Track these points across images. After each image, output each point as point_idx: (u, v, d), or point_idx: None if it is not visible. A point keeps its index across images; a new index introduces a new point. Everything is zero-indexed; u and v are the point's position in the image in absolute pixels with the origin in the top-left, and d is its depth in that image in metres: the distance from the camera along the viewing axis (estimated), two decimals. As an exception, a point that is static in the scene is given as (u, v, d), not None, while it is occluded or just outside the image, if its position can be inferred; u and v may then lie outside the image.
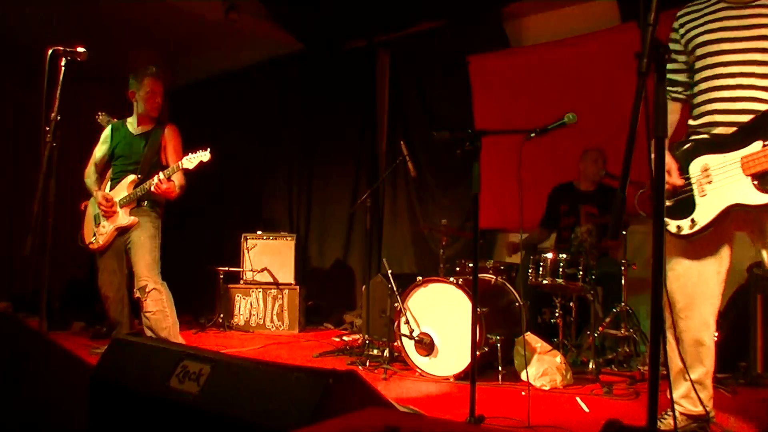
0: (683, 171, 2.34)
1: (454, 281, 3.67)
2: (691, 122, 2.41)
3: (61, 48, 3.04)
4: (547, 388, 3.35)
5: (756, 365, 3.46)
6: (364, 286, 4.79)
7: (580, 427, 2.66)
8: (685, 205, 2.32)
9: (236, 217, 6.77)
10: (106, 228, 3.88)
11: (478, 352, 2.92)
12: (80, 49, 3.06)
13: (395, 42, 6.03)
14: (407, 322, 3.74)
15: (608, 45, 4.69)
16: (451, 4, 5.30)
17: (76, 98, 4.13)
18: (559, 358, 3.46)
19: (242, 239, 5.81)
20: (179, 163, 3.65)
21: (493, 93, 5.38)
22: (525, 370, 3.46)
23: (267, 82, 6.87)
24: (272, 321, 5.53)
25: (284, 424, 1.22)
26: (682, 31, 2.43)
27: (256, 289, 5.60)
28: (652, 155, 1.46)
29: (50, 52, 3.01)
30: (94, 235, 3.94)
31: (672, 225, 2.34)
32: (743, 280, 3.80)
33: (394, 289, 3.90)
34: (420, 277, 3.84)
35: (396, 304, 3.85)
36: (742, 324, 3.65)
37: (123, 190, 3.87)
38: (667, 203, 2.35)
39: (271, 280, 5.64)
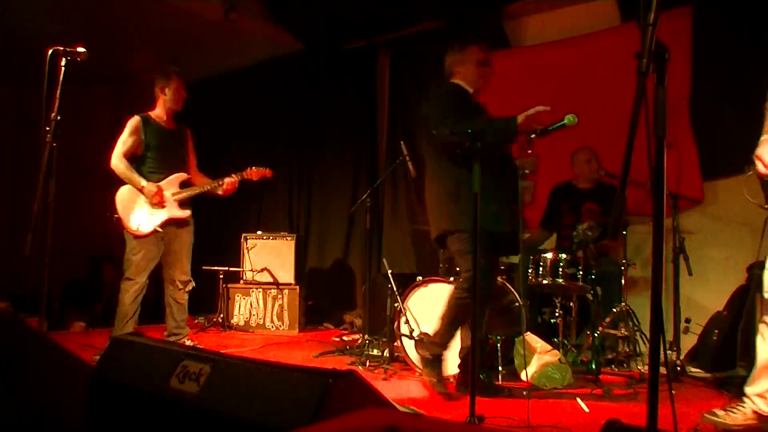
0: None
1: (454, 281, 3.67)
2: None
3: (61, 48, 3.04)
4: (547, 388, 3.34)
5: (756, 365, 3.45)
6: (364, 286, 4.79)
7: (580, 427, 2.65)
8: None
9: (236, 217, 6.78)
10: (157, 216, 3.99)
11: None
12: (80, 49, 3.06)
13: (395, 42, 6.03)
14: (407, 322, 3.74)
15: (608, 45, 4.69)
16: (451, 4, 5.30)
17: (77, 98, 4.13)
18: (559, 358, 3.46)
19: (242, 239, 5.82)
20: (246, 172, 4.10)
21: (492, 93, 5.37)
22: (525, 370, 3.46)
23: (267, 82, 6.87)
24: (272, 321, 5.53)
25: (284, 424, 1.22)
26: None
27: (256, 289, 5.60)
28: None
29: (50, 52, 3.01)
30: (141, 222, 3.97)
31: None
32: (743, 280, 3.80)
33: (394, 289, 3.90)
34: (420, 277, 3.84)
35: (396, 304, 3.85)
36: (742, 324, 3.65)
37: (173, 185, 4.05)
38: None
39: (271, 280, 5.64)
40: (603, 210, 4.22)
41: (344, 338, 5.07)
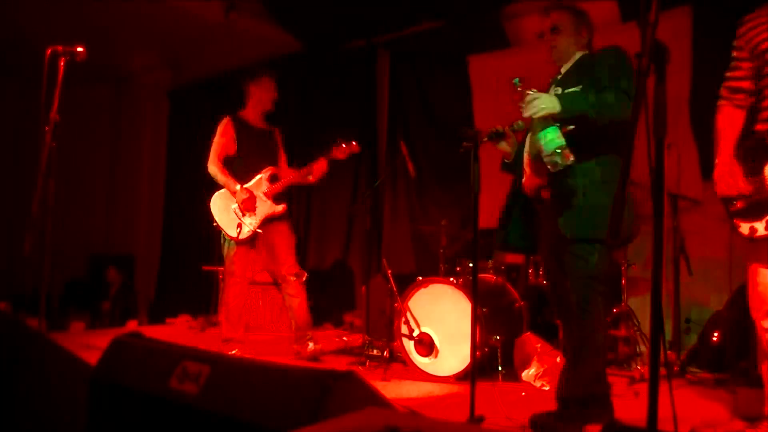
0: (755, 173, 2.34)
1: (454, 281, 3.67)
2: (758, 127, 2.41)
3: (61, 48, 3.04)
4: (547, 388, 3.34)
5: (756, 365, 3.45)
6: (364, 286, 4.78)
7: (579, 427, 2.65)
8: (759, 207, 2.30)
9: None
10: (254, 218, 4.00)
11: (478, 352, 2.91)
12: (80, 49, 3.06)
13: (395, 42, 6.03)
14: (407, 322, 3.74)
15: (608, 45, 4.69)
16: (451, 4, 5.31)
17: (77, 98, 4.12)
18: (559, 358, 3.46)
19: (242, 239, 5.81)
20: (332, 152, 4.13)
21: (492, 93, 5.38)
22: (525, 370, 3.46)
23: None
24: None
25: (284, 424, 1.22)
26: (747, 37, 2.41)
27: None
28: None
29: (50, 52, 3.01)
30: (239, 226, 3.98)
31: (744, 227, 2.33)
32: (743, 280, 3.80)
33: (394, 289, 3.90)
34: (420, 277, 3.84)
35: (396, 304, 3.85)
36: (742, 324, 3.65)
37: (263, 182, 4.06)
38: (738, 205, 2.37)
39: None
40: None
41: (344, 338, 5.07)
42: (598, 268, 2.52)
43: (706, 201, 4.29)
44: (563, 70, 2.78)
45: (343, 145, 4.09)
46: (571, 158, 2.41)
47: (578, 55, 2.79)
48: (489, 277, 4.08)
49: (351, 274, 6.23)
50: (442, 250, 4.13)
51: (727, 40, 4.30)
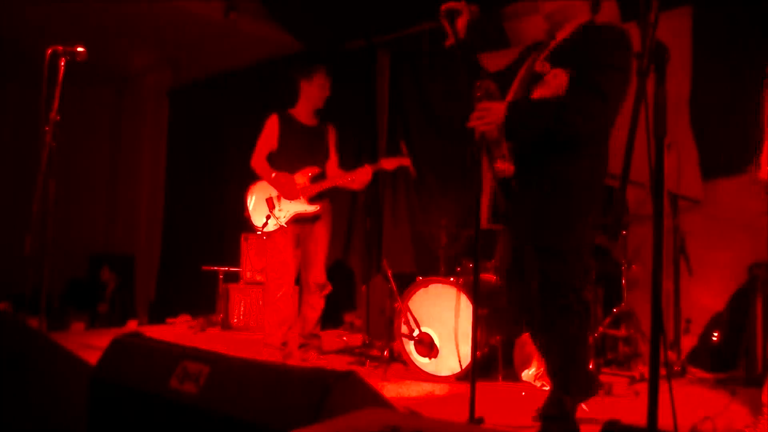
0: None
1: (455, 281, 3.67)
2: None
3: (61, 48, 3.05)
4: (547, 389, 3.34)
5: (756, 365, 3.46)
6: (364, 286, 4.79)
7: (580, 427, 2.65)
8: None
9: (236, 216, 6.77)
10: (284, 212, 3.89)
11: (478, 353, 2.91)
12: (80, 49, 3.07)
13: (395, 42, 6.03)
14: (407, 322, 3.74)
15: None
16: (451, 4, 5.30)
17: (77, 98, 4.12)
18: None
19: (242, 239, 5.81)
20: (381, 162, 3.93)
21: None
22: (525, 370, 3.46)
23: (267, 82, 6.87)
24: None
25: (284, 424, 1.22)
26: None
27: (256, 289, 5.60)
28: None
29: (50, 52, 3.02)
30: (268, 218, 3.89)
31: None
32: (743, 280, 3.80)
33: (394, 289, 3.90)
34: (420, 277, 3.84)
35: (396, 304, 3.85)
36: (742, 324, 3.66)
37: (303, 178, 3.93)
38: None
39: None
40: (603, 210, 4.21)
41: (344, 338, 5.07)
42: (556, 277, 2.27)
43: (706, 201, 4.29)
44: (558, 36, 2.48)
45: (391, 158, 3.95)
46: (507, 173, 2.31)
47: (580, 21, 2.47)
48: (489, 277, 4.08)
49: (351, 274, 6.23)
50: (442, 250, 4.13)
51: (727, 40, 4.32)
